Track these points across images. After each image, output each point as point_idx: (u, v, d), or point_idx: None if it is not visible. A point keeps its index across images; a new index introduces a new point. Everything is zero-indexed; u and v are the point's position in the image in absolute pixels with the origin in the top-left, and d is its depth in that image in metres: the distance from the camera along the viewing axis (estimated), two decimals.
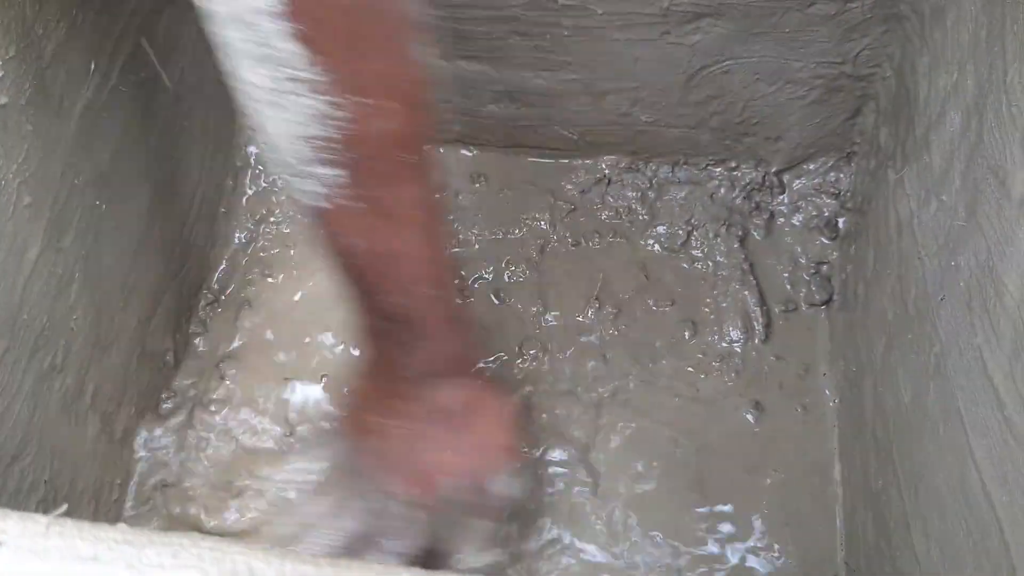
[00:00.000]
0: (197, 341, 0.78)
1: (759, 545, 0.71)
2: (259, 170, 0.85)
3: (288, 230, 0.84)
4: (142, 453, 0.72)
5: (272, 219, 0.84)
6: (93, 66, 0.58)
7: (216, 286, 0.81)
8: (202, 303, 0.80)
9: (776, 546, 0.70)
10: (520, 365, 0.78)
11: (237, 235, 0.83)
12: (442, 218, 0.56)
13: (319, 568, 0.30)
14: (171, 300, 0.74)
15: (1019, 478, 0.40)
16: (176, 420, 0.73)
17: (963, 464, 0.47)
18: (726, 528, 0.71)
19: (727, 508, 0.72)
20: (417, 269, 0.55)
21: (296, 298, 0.81)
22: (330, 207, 0.49)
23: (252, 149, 0.85)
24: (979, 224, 0.48)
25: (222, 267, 0.82)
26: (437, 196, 0.54)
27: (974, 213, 0.49)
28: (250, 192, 0.85)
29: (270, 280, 0.82)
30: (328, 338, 0.79)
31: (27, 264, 0.53)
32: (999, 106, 0.47)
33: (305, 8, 0.41)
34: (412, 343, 0.58)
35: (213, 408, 0.74)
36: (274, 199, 0.85)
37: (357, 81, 0.45)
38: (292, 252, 0.83)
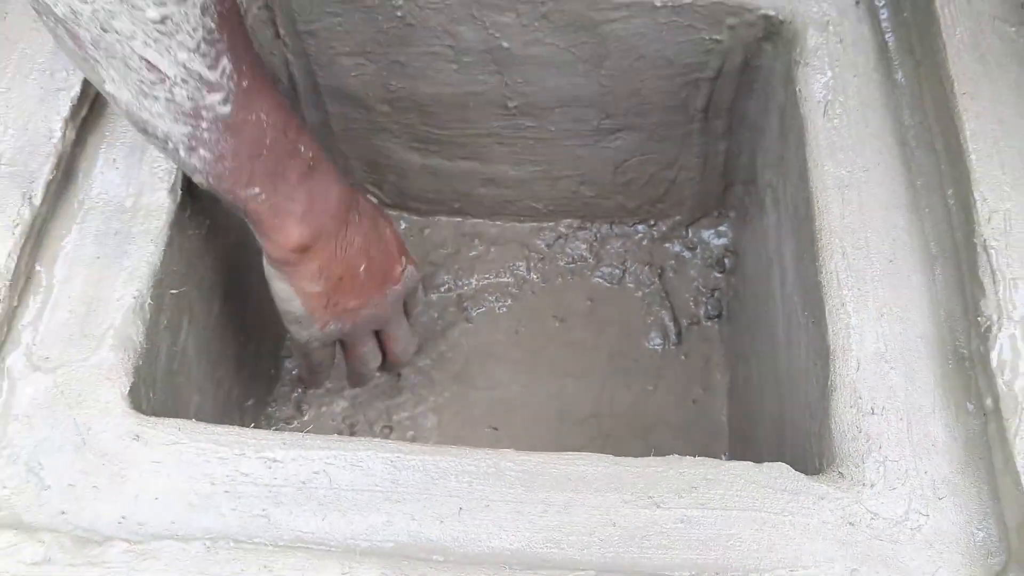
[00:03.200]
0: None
1: None
2: None
3: None
4: None
5: None
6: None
7: None
8: (286, 338, 1.09)
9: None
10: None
11: None
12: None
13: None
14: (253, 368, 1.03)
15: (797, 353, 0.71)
16: None
17: (775, 359, 0.78)
18: None
19: None
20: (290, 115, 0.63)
21: None
22: (231, 107, 0.57)
23: None
24: (788, 259, 0.80)
25: None
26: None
27: (787, 252, 0.81)
28: None
29: None
30: None
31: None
32: (788, 184, 0.79)
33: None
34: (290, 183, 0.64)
35: None
36: None
37: None
38: None
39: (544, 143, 1.05)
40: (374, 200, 1.14)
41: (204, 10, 0.54)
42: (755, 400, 0.91)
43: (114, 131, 0.74)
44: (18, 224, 0.65)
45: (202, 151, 0.59)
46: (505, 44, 0.91)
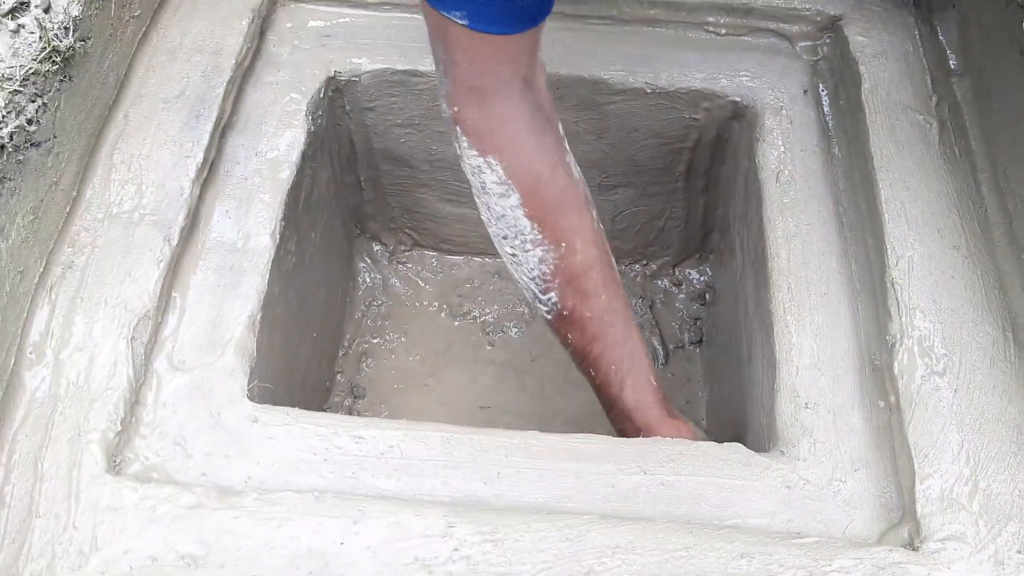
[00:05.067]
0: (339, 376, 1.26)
1: None
2: (364, 278, 1.35)
3: (383, 310, 1.33)
4: None
5: (375, 304, 1.33)
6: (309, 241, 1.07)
7: (346, 343, 1.29)
8: (339, 353, 1.28)
9: None
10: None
11: (356, 314, 1.32)
12: (630, 319, 0.79)
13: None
14: (323, 353, 1.22)
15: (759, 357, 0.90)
16: None
17: (740, 373, 0.97)
18: None
19: None
20: (613, 354, 0.78)
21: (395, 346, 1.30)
22: (553, 319, 0.78)
23: (360, 265, 1.35)
24: (750, 293, 0.99)
25: (347, 335, 1.30)
26: (624, 305, 0.80)
27: (749, 288, 1.00)
28: (363, 287, 1.34)
29: (375, 340, 1.31)
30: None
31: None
32: (750, 233, 0.99)
33: (533, 201, 0.74)
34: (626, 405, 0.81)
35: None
36: (377, 291, 1.34)
37: (559, 234, 0.75)
38: (387, 323, 1.32)
39: None
40: (411, 239, 1.33)
41: (541, 260, 0.77)
42: (726, 406, 1.09)
43: (227, 189, 0.93)
44: (161, 260, 0.84)
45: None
46: None
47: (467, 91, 0.72)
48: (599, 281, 0.79)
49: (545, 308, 0.79)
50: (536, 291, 0.78)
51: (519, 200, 0.73)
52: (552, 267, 0.75)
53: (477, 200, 0.78)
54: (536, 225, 0.74)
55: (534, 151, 0.74)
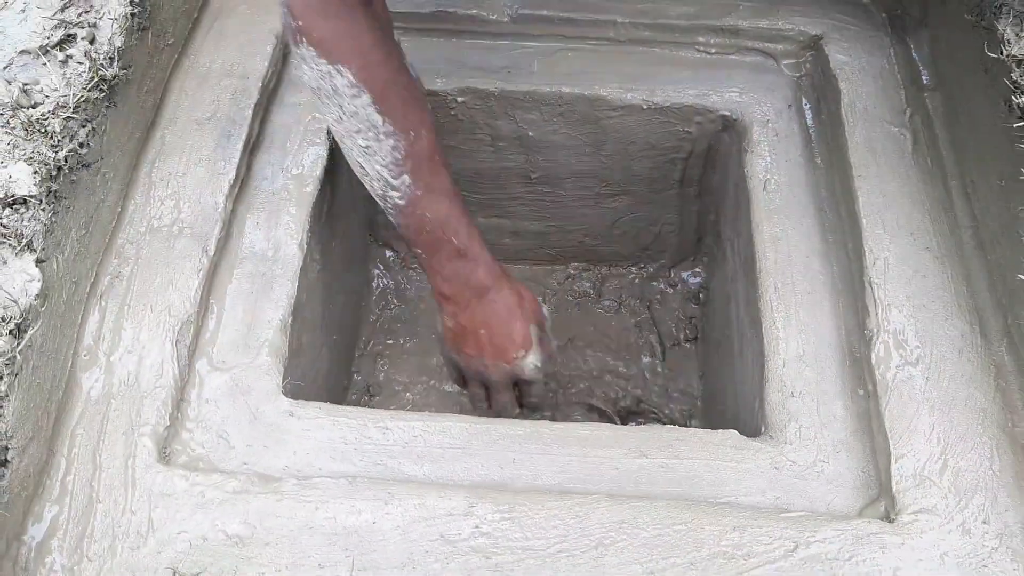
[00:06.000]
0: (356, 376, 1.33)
1: None
2: (378, 283, 1.42)
3: (396, 313, 1.40)
4: None
5: (388, 308, 1.40)
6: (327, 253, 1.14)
7: (362, 344, 1.36)
8: (356, 354, 1.35)
9: None
10: None
11: (371, 318, 1.39)
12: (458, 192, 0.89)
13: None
14: (342, 352, 1.29)
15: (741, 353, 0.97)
16: None
17: (732, 367, 1.04)
18: None
19: None
20: (458, 220, 0.89)
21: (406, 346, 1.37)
22: (407, 203, 0.86)
23: (375, 272, 1.42)
24: (741, 293, 1.07)
25: (363, 337, 1.38)
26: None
27: (740, 288, 1.08)
28: (377, 292, 1.41)
29: (389, 342, 1.37)
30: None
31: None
32: (740, 238, 1.06)
33: (385, 100, 0.82)
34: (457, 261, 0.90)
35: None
36: (391, 295, 1.41)
37: (408, 125, 0.84)
38: (400, 325, 1.39)
39: (557, 205, 1.32)
40: None
41: (393, 148, 0.85)
42: (720, 397, 1.17)
43: (257, 203, 1.00)
44: (200, 269, 0.91)
45: (390, 215, 0.91)
46: (531, 133, 1.18)
47: (313, 5, 0.81)
48: (441, 162, 0.90)
49: (398, 194, 0.87)
50: (389, 178, 0.86)
51: (370, 100, 0.82)
52: (404, 152, 0.85)
53: (326, 102, 0.84)
54: (387, 119, 0.84)
55: (382, 59, 0.84)
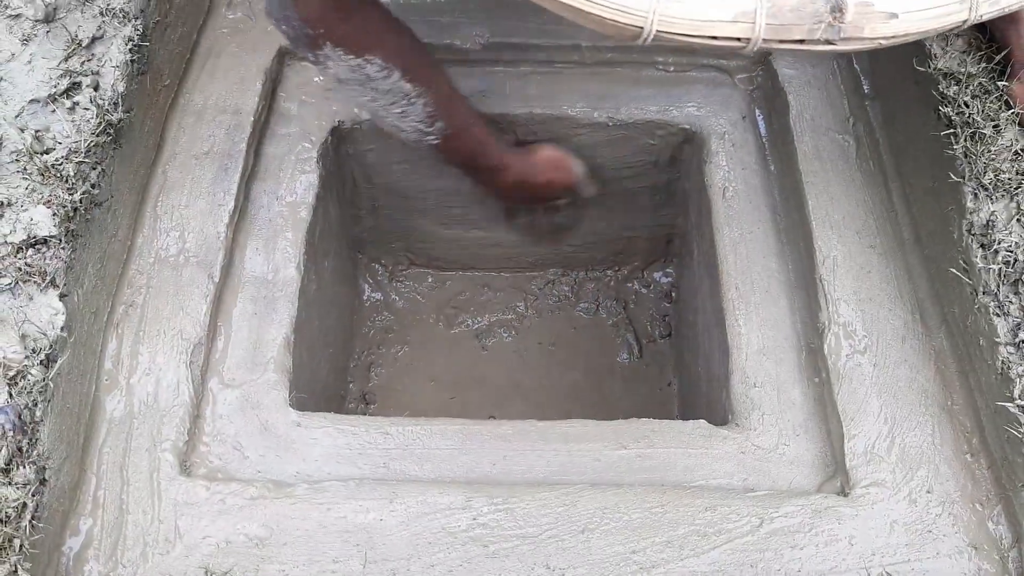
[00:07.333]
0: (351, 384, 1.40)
1: None
2: (368, 296, 1.49)
3: (386, 324, 1.47)
4: None
5: (379, 319, 1.47)
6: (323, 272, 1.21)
7: (355, 355, 1.43)
8: (350, 365, 1.42)
9: None
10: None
11: (363, 329, 1.46)
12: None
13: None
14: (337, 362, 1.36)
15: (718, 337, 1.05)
16: None
17: (700, 361, 1.12)
18: None
19: None
20: (484, 126, 1.07)
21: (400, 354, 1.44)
22: (447, 139, 1.01)
23: (364, 286, 1.49)
24: (706, 292, 1.14)
25: (356, 348, 1.44)
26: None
27: (705, 288, 1.15)
28: (367, 304, 1.48)
29: (381, 351, 1.44)
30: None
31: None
32: (703, 241, 1.14)
33: (410, 70, 0.95)
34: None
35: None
36: (380, 307, 1.48)
37: (430, 82, 0.97)
38: (390, 335, 1.46)
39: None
40: (408, 259, 1.48)
41: (425, 104, 0.99)
42: (694, 389, 1.25)
43: (256, 230, 1.07)
44: (207, 295, 0.98)
45: (424, 150, 1.07)
46: None
47: (328, 12, 0.90)
48: (460, 96, 1.04)
49: (435, 137, 1.01)
50: (425, 128, 1.00)
51: (400, 75, 0.95)
52: (433, 104, 0.99)
53: (358, 88, 0.96)
54: (416, 85, 0.97)
55: (396, 36, 0.95)
